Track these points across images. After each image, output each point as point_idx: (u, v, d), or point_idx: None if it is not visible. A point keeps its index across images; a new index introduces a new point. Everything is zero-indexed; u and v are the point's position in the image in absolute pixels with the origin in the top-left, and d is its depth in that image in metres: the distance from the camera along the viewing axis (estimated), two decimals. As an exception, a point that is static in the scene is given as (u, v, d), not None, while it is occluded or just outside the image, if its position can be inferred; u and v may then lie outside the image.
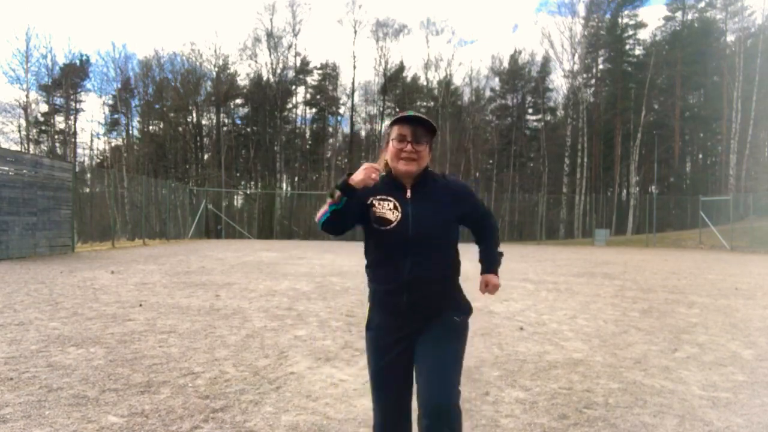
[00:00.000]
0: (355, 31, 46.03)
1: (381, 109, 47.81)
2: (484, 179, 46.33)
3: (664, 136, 41.19)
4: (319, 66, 48.06)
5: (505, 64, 48.06)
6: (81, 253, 15.39)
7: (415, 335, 1.87)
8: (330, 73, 47.69)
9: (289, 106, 47.89)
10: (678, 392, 3.55)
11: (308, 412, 3.09)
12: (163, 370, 3.83)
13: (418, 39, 76.87)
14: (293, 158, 47.11)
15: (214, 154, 45.23)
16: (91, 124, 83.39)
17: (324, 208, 1.84)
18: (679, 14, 44.35)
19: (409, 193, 1.88)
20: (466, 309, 1.97)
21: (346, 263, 13.12)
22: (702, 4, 43.24)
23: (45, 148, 43.33)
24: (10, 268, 10.55)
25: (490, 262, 2.08)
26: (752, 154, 36.95)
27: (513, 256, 17.65)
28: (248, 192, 45.74)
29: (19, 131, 40.60)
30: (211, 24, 73.12)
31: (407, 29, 58.86)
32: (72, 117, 45.42)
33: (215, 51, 51.24)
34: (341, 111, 48.81)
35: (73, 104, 45.61)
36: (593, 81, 45.80)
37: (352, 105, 47.82)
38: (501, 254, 2.11)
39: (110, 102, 45.97)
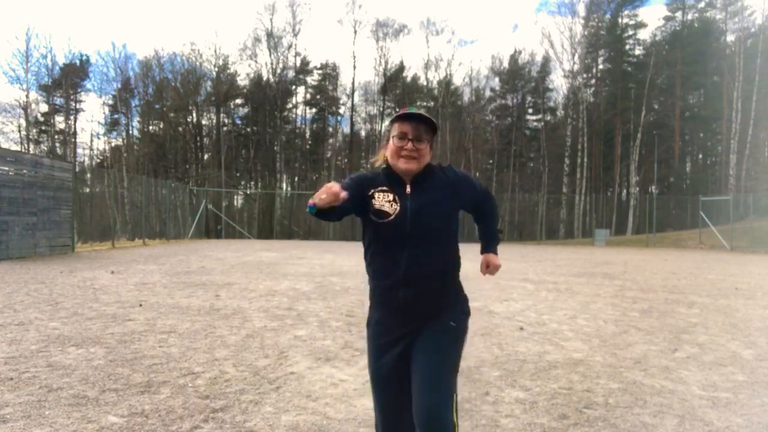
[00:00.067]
0: (355, 31, 46.07)
1: (381, 109, 47.82)
2: (484, 179, 46.28)
3: (664, 136, 41.19)
4: (319, 66, 48.13)
5: (505, 64, 48.13)
6: (81, 253, 15.39)
7: (414, 335, 1.84)
8: (330, 73, 47.71)
9: (289, 106, 47.91)
10: (678, 392, 3.55)
11: (308, 412, 3.09)
12: (163, 370, 3.83)
13: (418, 39, 76.90)
14: (293, 158, 47.11)
15: (214, 154, 45.23)
16: (91, 124, 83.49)
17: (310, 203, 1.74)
18: (679, 14, 44.37)
19: (408, 188, 1.86)
20: (464, 310, 1.94)
21: (346, 263, 13.13)
22: (702, 4, 43.27)
23: (45, 148, 43.34)
24: (10, 268, 10.55)
25: (489, 240, 2.08)
26: (752, 154, 36.96)
27: (513, 256, 17.64)
28: (248, 192, 45.75)
29: (19, 131, 40.66)
30: (211, 24, 73.17)
31: (407, 29, 58.94)
32: (72, 117, 45.47)
33: (215, 51, 51.31)
34: (341, 111, 48.86)
35: (73, 104, 45.62)
36: (593, 81, 45.81)
37: (352, 105, 47.88)
38: (500, 232, 2.12)
39: (110, 102, 46.02)
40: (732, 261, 17.11)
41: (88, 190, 32.14)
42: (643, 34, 45.65)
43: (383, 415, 1.91)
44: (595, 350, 4.70)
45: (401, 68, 48.00)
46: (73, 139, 45.57)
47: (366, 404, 3.16)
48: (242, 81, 46.78)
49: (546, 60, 46.45)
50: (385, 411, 1.90)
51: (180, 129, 46.15)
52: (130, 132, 46.17)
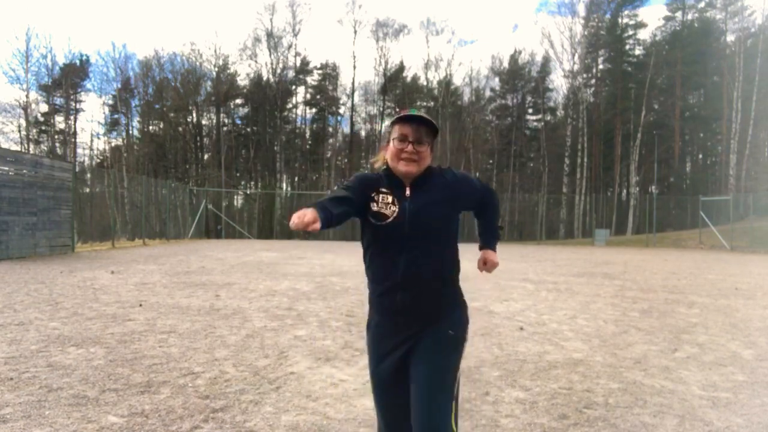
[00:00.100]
0: (355, 31, 46.09)
1: (381, 109, 47.83)
2: (484, 179, 46.09)
3: (664, 136, 41.19)
4: (319, 66, 48.14)
5: (505, 64, 48.12)
6: (81, 253, 15.39)
7: (414, 340, 1.81)
8: (330, 73, 47.71)
9: (289, 106, 47.92)
10: (678, 392, 3.55)
11: (308, 412, 3.09)
12: (163, 370, 3.83)
13: (418, 39, 76.90)
14: (293, 158, 47.12)
15: (214, 154, 45.24)
16: (91, 124, 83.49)
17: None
18: (679, 14, 44.38)
19: (408, 191, 1.84)
20: (463, 317, 1.91)
21: (346, 263, 13.13)
22: (702, 4, 43.27)
23: (45, 148, 43.35)
24: (10, 268, 10.55)
25: (488, 235, 2.05)
26: (752, 154, 36.96)
27: (513, 256, 17.64)
28: (248, 192, 45.74)
29: (19, 131, 40.66)
30: (211, 24, 73.19)
31: (407, 29, 58.91)
32: (72, 117, 45.47)
33: (215, 51, 51.31)
34: (341, 111, 48.87)
35: (73, 104, 45.63)
36: (593, 81, 45.81)
37: (352, 105, 47.89)
38: (501, 228, 2.08)
39: (110, 102, 46.03)
40: (732, 261, 17.11)
41: (88, 190, 32.15)
42: (643, 34, 45.74)
43: (385, 419, 1.90)
44: (595, 350, 4.70)
45: (401, 68, 48.03)
46: (73, 139, 45.61)
47: (366, 404, 3.16)
48: (242, 81, 46.88)
49: (546, 60, 46.51)
50: (386, 415, 1.89)
51: (180, 129, 46.16)
52: (130, 132, 46.22)
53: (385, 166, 1.89)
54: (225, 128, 45.69)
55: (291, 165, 47.11)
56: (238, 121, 48.19)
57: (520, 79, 47.73)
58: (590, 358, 4.43)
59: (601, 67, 46.06)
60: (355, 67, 48.35)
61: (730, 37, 41.53)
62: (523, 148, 46.92)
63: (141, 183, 27.42)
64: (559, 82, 62.82)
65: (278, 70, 45.20)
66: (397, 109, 47.32)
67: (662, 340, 5.12)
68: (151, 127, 46.76)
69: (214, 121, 45.71)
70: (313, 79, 48.70)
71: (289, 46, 45.68)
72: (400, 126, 1.82)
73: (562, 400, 3.37)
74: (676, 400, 3.40)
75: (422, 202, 1.81)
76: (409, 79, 48.66)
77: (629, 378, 3.86)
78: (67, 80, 43.24)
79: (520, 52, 47.92)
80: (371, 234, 1.85)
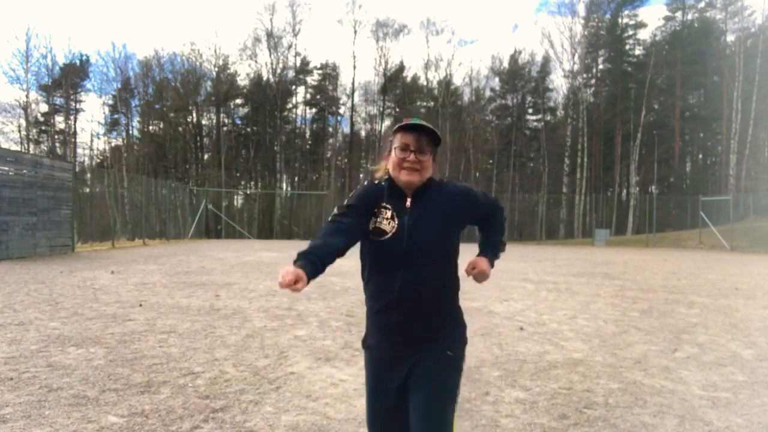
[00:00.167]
0: (355, 31, 46.06)
1: (381, 109, 47.81)
2: (484, 179, 46.30)
3: (664, 136, 41.20)
4: (319, 66, 48.12)
5: (505, 64, 48.08)
6: (81, 253, 15.39)
7: (412, 362, 1.76)
8: (330, 73, 47.70)
9: (289, 106, 47.91)
10: (678, 392, 3.55)
11: (308, 412, 3.09)
12: (163, 370, 3.83)
13: (418, 39, 76.85)
14: (293, 158, 47.12)
15: (214, 154, 45.24)
16: (91, 124, 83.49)
17: None
18: (679, 14, 44.37)
19: (409, 202, 1.78)
20: (462, 337, 1.86)
21: (346, 263, 13.08)
22: (702, 4, 43.27)
23: (45, 148, 43.34)
24: (10, 268, 10.55)
25: (488, 248, 1.94)
26: (752, 154, 36.95)
27: (513, 256, 17.65)
28: (248, 192, 45.73)
29: (19, 131, 40.65)
30: (211, 24, 73.20)
31: (407, 29, 58.87)
32: (72, 117, 45.46)
33: (215, 51, 51.25)
34: (341, 111, 48.85)
35: (73, 104, 45.62)
36: (593, 81, 45.80)
37: (352, 105, 47.86)
38: (503, 243, 1.96)
39: (110, 102, 46.01)
40: (732, 261, 17.11)
41: (88, 190, 32.13)
42: (643, 34, 45.72)
43: None
44: (595, 350, 4.70)
45: (401, 68, 48.01)
46: (73, 139, 45.60)
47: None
48: (242, 81, 46.85)
49: (546, 60, 46.48)
50: None
51: (180, 129, 46.15)
52: (130, 132, 46.21)
53: (386, 177, 1.84)
54: (225, 128, 45.68)
55: (291, 165, 47.10)
56: (238, 121, 48.21)
57: (520, 79, 47.71)
58: (590, 358, 4.43)
59: (601, 67, 46.06)
60: (355, 67, 48.34)
61: (730, 37, 41.56)
62: (523, 148, 46.91)
63: (141, 183, 27.42)
64: (559, 82, 62.83)
65: (278, 70, 45.22)
66: (397, 109, 47.64)
67: (662, 340, 5.12)
68: (151, 127, 46.77)
69: (214, 121, 45.72)
70: (313, 79, 48.74)
71: (289, 46, 45.71)
72: (402, 135, 1.77)
73: (562, 400, 3.37)
74: (676, 400, 3.40)
75: (422, 217, 1.76)
76: (409, 79, 48.67)
77: (629, 378, 3.86)
78: (67, 80, 43.24)
79: (520, 52, 47.95)
80: (370, 250, 1.80)
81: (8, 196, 12.70)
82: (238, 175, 47.62)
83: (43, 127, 44.37)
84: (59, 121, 44.72)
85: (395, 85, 48.05)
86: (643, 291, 8.83)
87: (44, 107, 44.28)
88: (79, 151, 46.34)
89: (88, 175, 35.56)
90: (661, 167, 41.82)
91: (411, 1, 68.02)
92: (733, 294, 8.64)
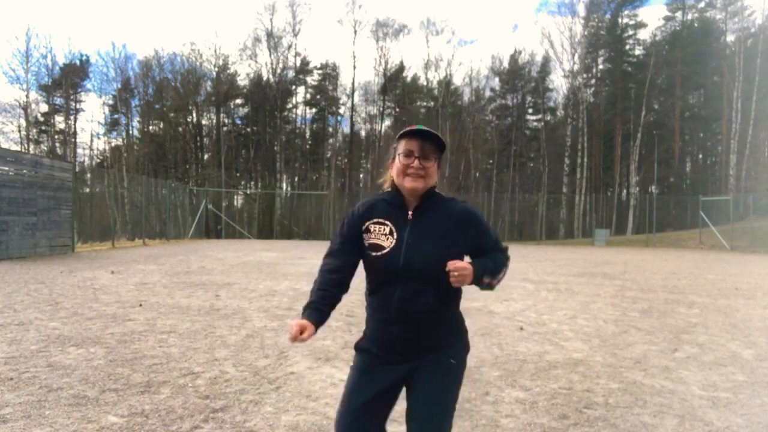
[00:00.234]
0: (355, 31, 46.06)
1: (381, 109, 47.82)
2: (484, 179, 46.33)
3: (664, 136, 41.21)
4: (319, 66, 48.14)
5: (505, 64, 48.10)
6: (81, 253, 15.39)
7: (412, 366, 1.75)
8: (330, 73, 47.70)
9: (289, 106, 47.92)
10: (678, 392, 3.56)
11: (308, 412, 3.09)
12: (163, 370, 3.83)
13: (418, 39, 76.99)
14: (293, 158, 47.12)
15: (214, 154, 45.24)
16: (91, 124, 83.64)
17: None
18: (679, 14, 44.38)
19: (410, 215, 1.76)
20: (465, 344, 1.84)
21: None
22: (702, 4, 43.27)
23: (45, 148, 43.35)
24: (10, 268, 10.55)
25: (481, 261, 1.75)
26: (752, 154, 36.95)
27: (513, 256, 17.54)
28: (248, 192, 45.74)
29: (19, 131, 40.65)
30: (211, 24, 73.17)
31: (407, 29, 58.96)
32: (72, 117, 45.47)
33: (215, 51, 51.37)
34: (341, 111, 48.85)
35: (73, 104, 45.62)
36: (593, 81, 45.80)
37: (352, 105, 47.87)
38: (498, 273, 1.77)
39: (110, 102, 46.03)
40: (732, 261, 17.11)
41: (88, 190, 32.14)
42: (643, 34, 45.72)
43: (343, 425, 1.78)
44: (595, 350, 4.70)
45: (401, 68, 48.02)
46: (73, 139, 45.61)
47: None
48: (242, 81, 46.87)
49: (546, 60, 46.48)
50: (347, 425, 1.77)
51: (180, 129, 46.16)
52: (130, 132, 46.22)
53: (390, 189, 1.82)
54: (225, 128, 45.69)
55: (291, 165, 47.11)
56: (238, 121, 48.23)
57: (520, 79, 47.72)
58: (590, 358, 4.43)
59: (601, 67, 46.06)
60: (355, 67, 48.47)
61: (730, 37, 41.56)
62: (523, 148, 46.92)
63: (141, 183, 27.43)
64: (559, 82, 62.93)
65: (278, 70, 45.22)
66: (397, 110, 47.64)
67: (662, 340, 5.12)
68: (151, 127, 46.77)
69: (214, 121, 45.73)
70: (313, 79, 48.75)
71: (289, 46, 45.71)
72: (406, 141, 1.76)
73: (562, 400, 3.37)
74: (676, 400, 3.40)
75: (421, 236, 1.72)
76: (409, 79, 48.67)
77: (629, 378, 3.86)
78: (67, 80, 43.24)
79: (520, 52, 47.97)
80: (367, 264, 1.79)
81: (8, 196, 12.70)
82: (238, 175, 47.63)
83: (43, 127, 44.38)
84: (59, 121, 44.77)
85: (395, 85, 48.05)
86: (643, 291, 8.83)
87: (44, 107, 44.36)
88: (79, 151, 46.42)
89: (88, 175, 35.59)
90: (661, 167, 41.83)
91: (411, 1, 68.07)
92: (733, 294, 8.64)
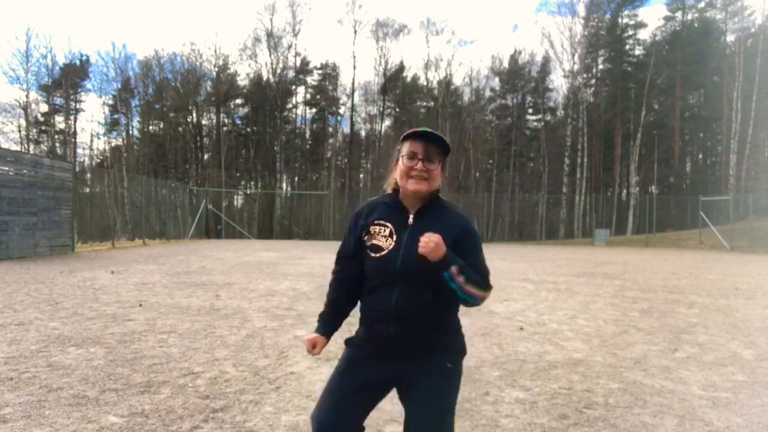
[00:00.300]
0: (355, 31, 46.07)
1: (381, 109, 47.82)
2: (484, 179, 46.34)
3: (664, 136, 41.21)
4: (319, 66, 48.14)
5: (505, 64, 48.11)
6: (81, 253, 15.39)
7: (399, 368, 1.74)
8: (330, 73, 47.71)
9: (289, 106, 47.92)
10: (678, 392, 3.55)
11: (308, 412, 3.08)
12: (163, 370, 3.83)
13: (418, 39, 76.99)
14: (293, 158, 47.12)
15: (214, 154, 45.25)
16: (91, 124, 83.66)
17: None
18: (679, 14, 44.39)
19: (411, 219, 1.75)
20: (461, 348, 1.83)
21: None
22: (702, 4, 43.28)
23: (45, 148, 43.36)
24: (10, 268, 10.55)
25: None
26: (752, 154, 36.96)
27: (513, 256, 17.65)
28: (248, 192, 45.74)
29: (19, 131, 40.66)
30: (211, 24, 73.22)
31: (407, 29, 58.96)
32: (72, 117, 45.48)
33: (215, 51, 51.36)
34: (341, 111, 48.86)
35: (73, 104, 45.63)
36: (593, 81, 45.81)
37: (352, 105, 47.87)
38: (471, 278, 1.68)
39: (110, 102, 46.03)
40: (732, 261, 17.11)
41: (88, 190, 32.15)
42: (643, 34, 45.74)
43: (322, 417, 1.75)
44: (595, 350, 4.70)
45: (401, 68, 48.03)
46: (73, 139, 45.61)
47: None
48: (242, 81, 46.88)
49: (546, 60, 46.49)
50: (326, 415, 1.74)
51: (180, 129, 46.16)
52: (130, 132, 46.22)
53: (393, 190, 1.82)
54: (225, 128, 45.70)
55: (291, 165, 47.11)
56: (238, 121, 48.24)
57: (520, 79, 47.72)
58: (590, 358, 4.43)
59: (601, 67, 46.07)
60: (355, 67, 48.42)
61: (730, 37, 41.57)
62: (523, 148, 46.92)
63: (141, 183, 27.43)
64: (559, 82, 62.87)
65: (278, 70, 45.23)
66: (397, 110, 47.64)
67: (662, 340, 5.12)
68: (151, 127, 46.78)
69: (214, 121, 45.74)
70: (313, 79, 48.75)
71: (289, 46, 45.72)
72: (410, 143, 1.74)
73: (562, 400, 3.37)
74: (676, 400, 3.40)
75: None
76: (409, 79, 48.68)
77: (629, 378, 3.86)
78: (67, 80, 43.24)
79: (520, 52, 47.97)
80: (367, 264, 1.79)
81: (8, 196, 12.70)
82: (238, 175, 47.64)
83: (43, 127, 44.39)
84: (59, 121, 44.77)
85: (395, 85, 48.06)
86: (643, 291, 8.83)
87: (44, 107, 44.37)
88: (79, 151, 46.43)
89: (88, 175, 35.60)
90: (661, 167, 41.83)
91: (411, 1, 68.08)
92: (733, 294, 8.64)
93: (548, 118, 47.65)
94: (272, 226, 38.37)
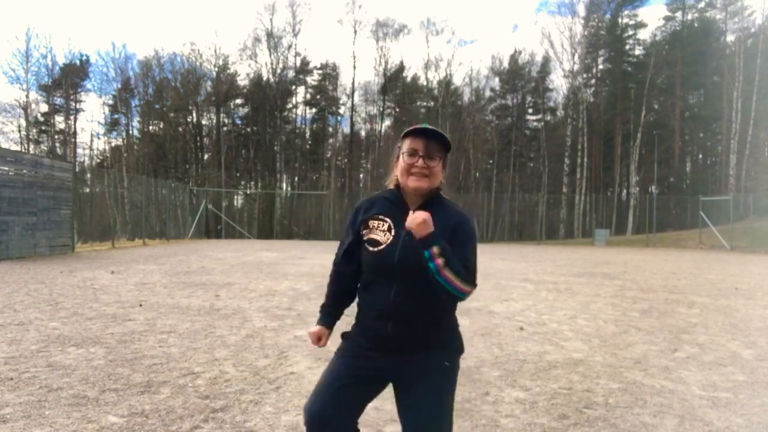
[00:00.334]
0: (355, 31, 46.08)
1: (381, 109, 47.83)
2: (484, 179, 46.34)
3: (664, 136, 41.22)
4: (319, 66, 48.16)
5: (505, 64, 48.14)
6: (81, 253, 15.39)
7: (396, 363, 1.73)
8: (330, 73, 47.72)
9: (289, 106, 47.93)
10: (678, 392, 3.55)
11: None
12: (163, 370, 3.83)
13: (418, 39, 77.04)
14: (293, 158, 47.13)
15: (214, 154, 45.25)
16: (91, 124, 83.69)
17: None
18: (679, 14, 44.39)
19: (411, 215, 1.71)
20: (459, 347, 1.81)
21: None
22: (702, 4, 43.29)
23: (45, 148, 43.36)
24: (10, 268, 10.55)
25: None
26: (752, 154, 36.96)
27: (513, 256, 17.65)
28: (248, 192, 45.75)
29: (19, 131, 40.66)
30: (211, 24, 73.21)
31: (407, 29, 58.99)
32: (72, 117, 45.49)
33: (215, 51, 51.38)
34: (341, 111, 48.87)
35: (73, 104, 45.64)
36: (593, 81, 45.82)
37: (352, 105, 47.88)
38: (451, 264, 1.61)
39: (110, 102, 46.04)
40: (732, 261, 17.11)
41: (88, 190, 32.14)
42: (643, 34, 45.75)
43: (314, 406, 1.73)
44: (595, 350, 4.70)
45: (401, 68, 48.04)
46: (73, 139, 45.62)
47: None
48: (242, 81, 46.90)
49: (546, 60, 46.51)
50: (318, 402, 1.73)
51: (180, 129, 46.17)
52: (130, 132, 46.23)
53: (393, 187, 1.81)
54: (225, 128, 45.70)
55: (291, 165, 47.11)
56: (238, 121, 48.25)
57: (520, 79, 47.74)
58: (590, 358, 4.43)
59: (601, 67, 46.08)
60: (355, 67, 48.46)
61: (730, 37, 41.58)
62: (523, 148, 46.93)
63: (141, 183, 27.43)
64: (559, 82, 62.95)
65: (278, 70, 45.23)
66: (397, 110, 47.65)
67: (662, 340, 5.12)
68: (151, 127, 46.79)
69: (214, 121, 45.74)
70: (313, 79, 48.77)
71: (289, 46, 45.72)
72: (411, 140, 1.73)
73: (562, 400, 3.37)
74: (676, 400, 3.40)
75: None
76: (409, 79, 48.69)
77: (629, 378, 3.86)
78: (67, 80, 43.25)
79: (520, 52, 47.99)
80: (364, 258, 1.78)
81: (8, 196, 12.70)
82: (238, 175, 47.64)
83: (43, 127, 44.39)
84: (59, 121, 44.78)
85: (395, 85, 48.06)
86: (643, 291, 8.83)
87: (44, 107, 44.38)
88: (79, 151, 46.44)
89: (88, 175, 35.58)
90: (661, 167, 41.84)
91: (411, 1, 68.09)
92: (733, 294, 8.64)
93: (548, 118, 47.67)
94: (272, 226, 38.36)
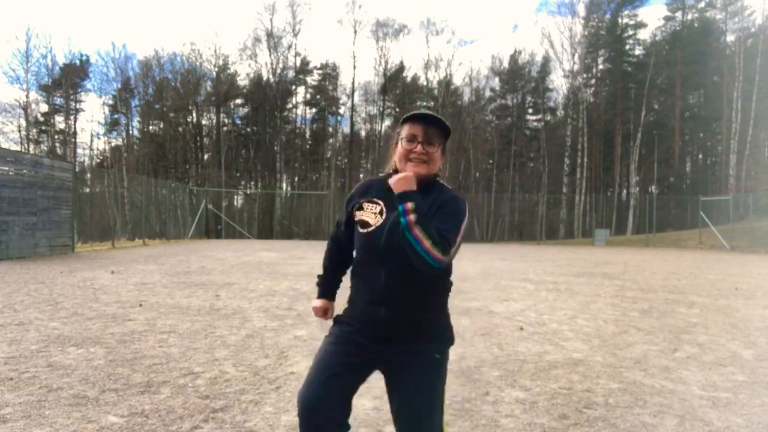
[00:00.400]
0: (355, 31, 46.07)
1: (381, 109, 47.82)
2: (484, 179, 46.35)
3: (664, 136, 41.23)
4: (319, 66, 48.17)
5: (505, 64, 48.16)
6: (81, 253, 15.39)
7: (385, 350, 1.71)
8: (330, 73, 47.73)
9: (289, 106, 47.94)
10: (678, 392, 3.55)
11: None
12: (163, 370, 3.83)
13: (418, 39, 77.05)
14: (293, 158, 47.13)
15: (214, 154, 45.26)
16: (91, 124, 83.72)
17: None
18: (679, 14, 44.41)
19: None
20: (449, 337, 1.79)
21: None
22: (702, 4, 43.31)
23: (45, 148, 43.37)
24: (10, 268, 10.55)
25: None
26: (752, 154, 36.97)
27: (513, 256, 17.65)
28: (248, 192, 45.75)
29: (19, 131, 40.67)
30: (211, 24, 73.21)
31: (407, 29, 59.00)
32: (72, 117, 45.50)
33: (215, 51, 51.41)
34: (341, 111, 48.87)
35: (73, 104, 45.65)
36: (593, 81, 45.83)
37: (352, 105, 47.88)
38: (421, 218, 1.57)
39: (110, 102, 46.06)
40: (732, 261, 17.11)
41: (88, 190, 32.15)
42: (643, 34, 45.79)
43: (307, 396, 1.71)
44: (595, 350, 4.70)
45: (401, 68, 48.04)
46: (73, 139, 45.63)
47: (366, 404, 3.15)
48: (242, 81, 46.91)
49: (546, 60, 46.54)
50: (311, 393, 1.70)
51: (180, 129, 46.17)
52: (130, 132, 46.24)
53: (392, 172, 1.80)
54: (225, 128, 45.70)
55: (291, 165, 47.12)
56: (238, 121, 48.26)
57: (520, 79, 47.75)
58: (590, 358, 4.43)
59: (601, 67, 46.10)
60: (355, 67, 48.47)
61: (730, 37, 41.60)
62: (523, 148, 46.94)
63: (141, 183, 27.43)
64: (559, 82, 63.02)
65: (278, 70, 45.23)
66: (397, 110, 47.64)
67: (662, 340, 5.12)
68: (151, 127, 46.80)
69: (214, 121, 45.75)
70: (313, 79, 48.78)
71: (289, 46, 45.72)
72: (410, 125, 1.73)
73: (562, 400, 3.37)
74: (676, 400, 3.40)
75: None
76: (409, 79, 48.70)
77: (629, 378, 3.86)
78: (67, 80, 43.25)
79: (520, 52, 48.02)
80: (356, 239, 1.78)
81: (8, 196, 12.70)
82: (238, 175, 47.64)
83: (43, 127, 44.40)
84: (59, 121, 44.79)
85: (395, 85, 48.07)
86: (643, 291, 8.83)
87: (44, 107, 44.40)
88: (79, 151, 46.46)
89: (88, 175, 35.58)
90: (661, 167, 41.84)
91: (411, 1, 68.09)
92: (733, 294, 8.64)
93: (548, 118, 47.68)
94: (272, 226, 38.37)
